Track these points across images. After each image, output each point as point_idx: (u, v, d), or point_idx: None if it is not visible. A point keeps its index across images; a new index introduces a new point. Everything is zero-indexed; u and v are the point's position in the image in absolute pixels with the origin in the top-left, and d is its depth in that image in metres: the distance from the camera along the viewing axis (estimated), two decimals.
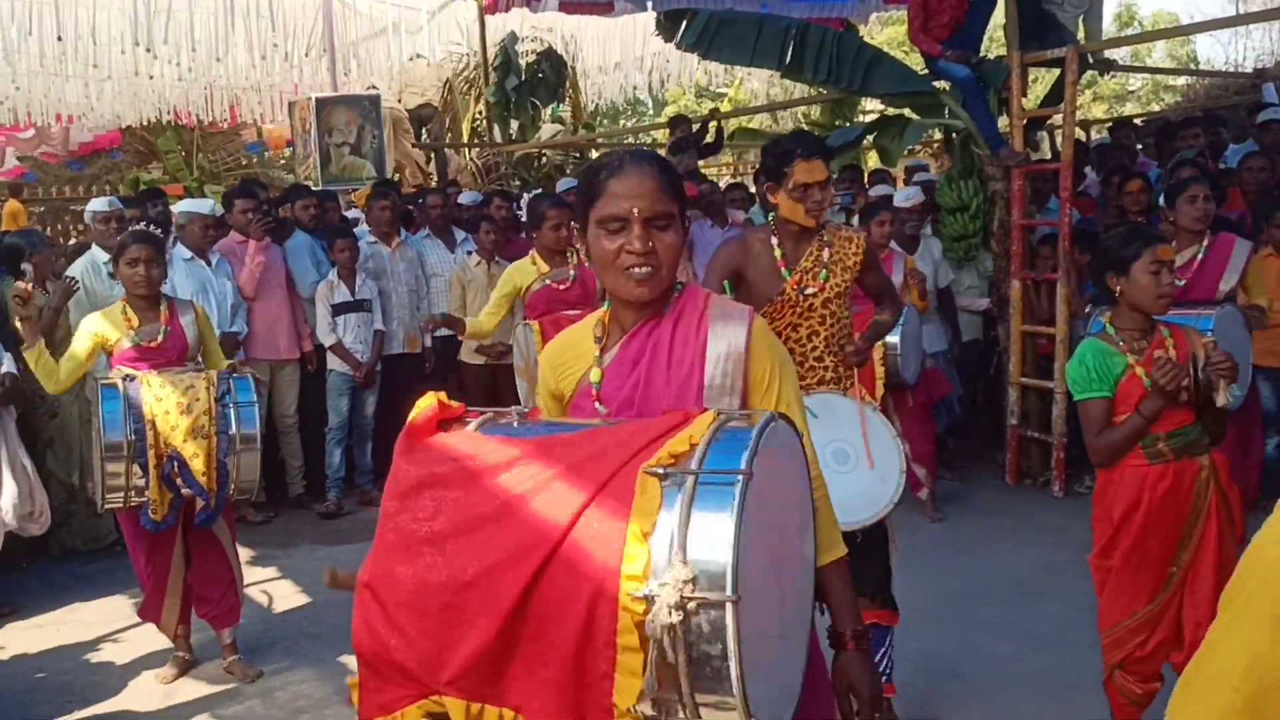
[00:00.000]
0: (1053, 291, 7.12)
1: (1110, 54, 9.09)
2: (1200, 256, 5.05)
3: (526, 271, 5.69)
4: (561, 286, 5.48)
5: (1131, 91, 26.61)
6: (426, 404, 1.96)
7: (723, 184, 10.44)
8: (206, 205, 7.38)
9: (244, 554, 6.10)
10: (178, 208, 7.41)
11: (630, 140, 19.69)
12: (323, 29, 13.26)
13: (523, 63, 13.60)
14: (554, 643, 1.68)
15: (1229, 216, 6.12)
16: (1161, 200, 5.47)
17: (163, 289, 4.80)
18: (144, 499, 4.47)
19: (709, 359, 2.07)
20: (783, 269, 3.73)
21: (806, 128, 13.11)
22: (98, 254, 6.79)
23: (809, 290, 3.71)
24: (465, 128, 14.96)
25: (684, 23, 8.51)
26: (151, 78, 14.25)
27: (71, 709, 4.66)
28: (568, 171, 13.02)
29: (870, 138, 8.77)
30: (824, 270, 3.72)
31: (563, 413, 2.23)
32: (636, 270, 2.04)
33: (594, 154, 15.09)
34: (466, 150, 14.39)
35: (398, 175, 12.37)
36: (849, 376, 3.82)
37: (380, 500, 1.91)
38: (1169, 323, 3.52)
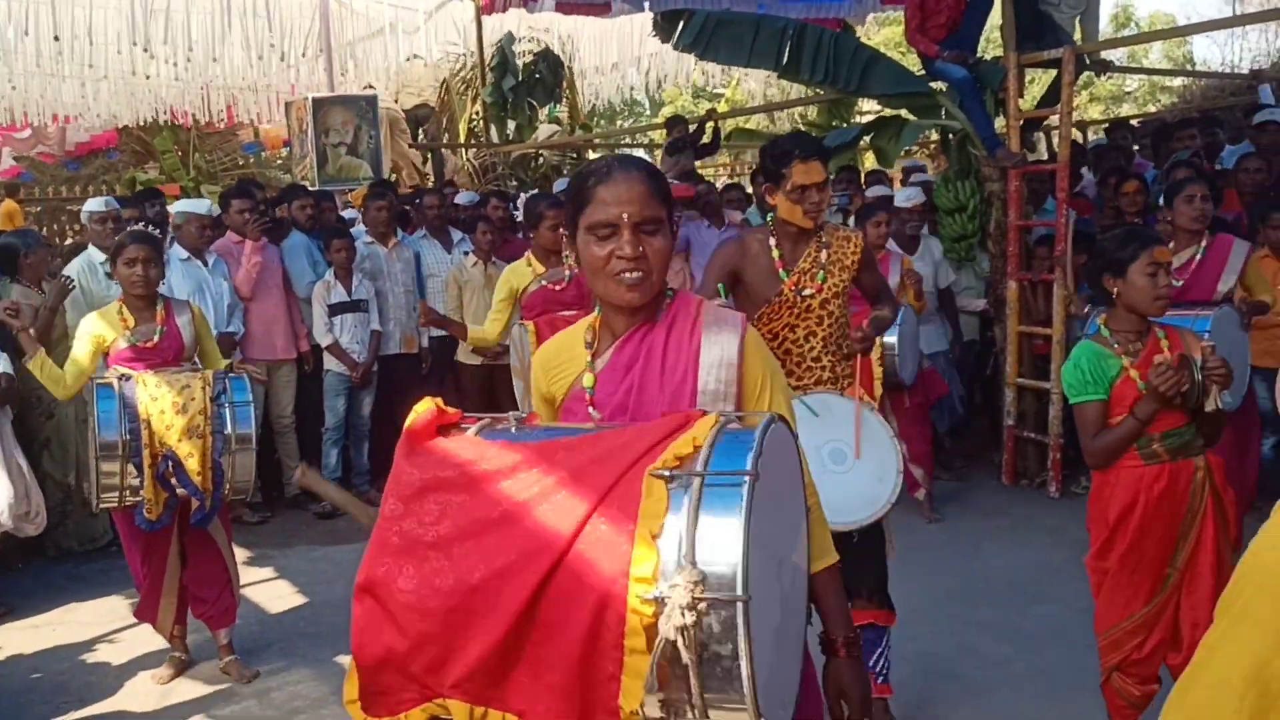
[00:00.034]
0: (1049, 292, 7.12)
1: (1107, 55, 9.10)
2: (1198, 257, 5.05)
3: (522, 273, 5.69)
4: (557, 287, 5.48)
5: (1128, 92, 26.64)
6: (424, 409, 1.96)
7: (720, 184, 10.44)
8: (203, 205, 7.38)
9: (240, 554, 6.09)
10: (174, 208, 7.41)
11: (628, 140, 19.67)
12: (319, 29, 13.27)
13: (520, 63, 13.60)
14: (560, 646, 1.68)
15: (1225, 217, 6.12)
16: (1162, 201, 5.47)
17: (159, 289, 4.80)
18: (139, 499, 4.46)
19: (702, 365, 2.09)
20: (781, 270, 3.73)
21: (803, 128, 13.12)
22: (94, 254, 6.79)
23: (807, 291, 3.71)
24: (462, 128, 14.96)
25: (681, 23, 8.52)
26: (148, 77, 14.25)
27: (68, 709, 4.66)
28: (565, 172, 13.02)
29: (867, 138, 8.77)
30: (822, 271, 3.73)
31: (555, 416, 2.25)
32: (627, 275, 2.05)
33: (591, 154, 15.09)
34: (463, 150, 14.39)
35: (394, 175, 12.36)
36: (847, 377, 3.82)
37: (378, 501, 1.91)
38: (1165, 324, 3.52)
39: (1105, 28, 21.78)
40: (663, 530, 1.66)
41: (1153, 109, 20.02)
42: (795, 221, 3.69)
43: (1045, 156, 8.86)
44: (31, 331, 4.81)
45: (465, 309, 7.66)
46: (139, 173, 14.83)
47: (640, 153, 19.81)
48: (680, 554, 1.64)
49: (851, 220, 6.81)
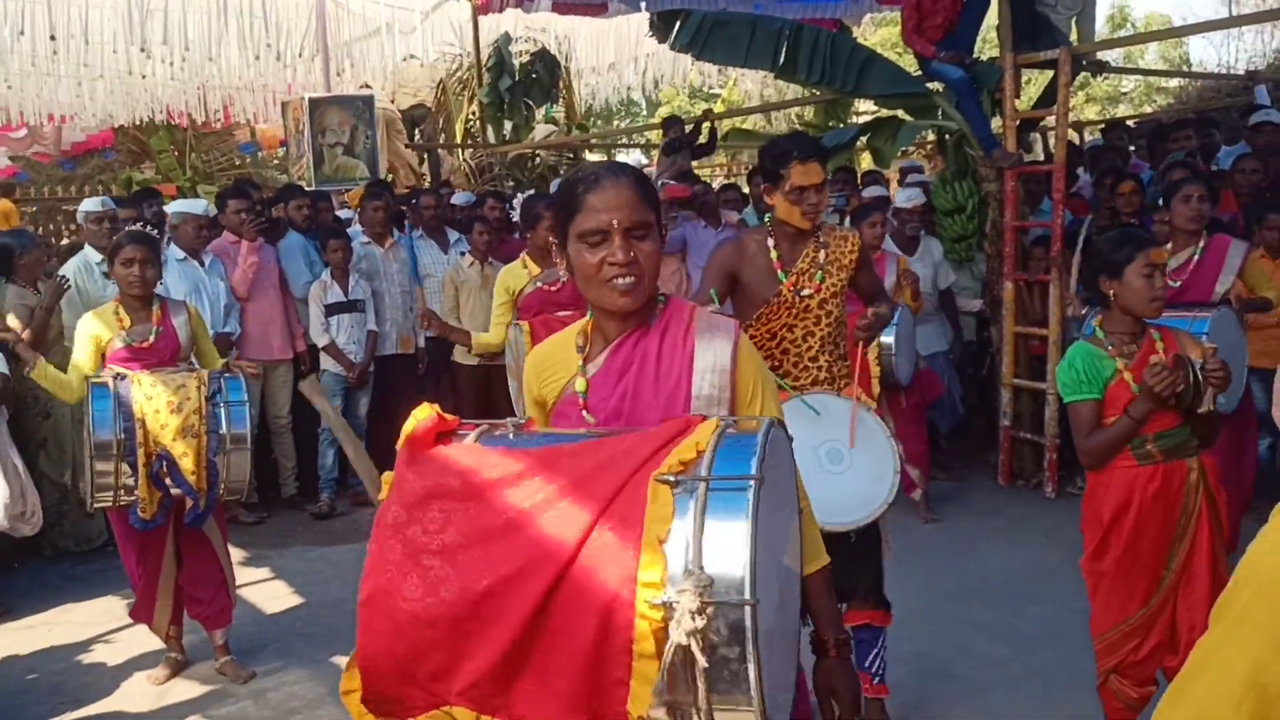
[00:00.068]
0: (1045, 293, 7.13)
1: (1103, 56, 9.13)
2: (1196, 258, 5.05)
3: (518, 275, 5.69)
4: (553, 288, 5.47)
5: (1124, 93, 26.65)
6: (424, 415, 1.96)
7: (716, 185, 10.45)
8: (199, 205, 7.37)
9: (237, 555, 6.09)
10: (170, 208, 7.40)
11: (624, 140, 19.67)
12: (316, 29, 13.25)
13: (516, 63, 13.57)
14: (567, 652, 1.69)
15: (1221, 218, 6.13)
16: (1161, 202, 5.48)
17: (156, 289, 4.80)
18: (133, 498, 4.46)
19: (696, 370, 2.11)
20: (779, 270, 3.74)
21: (800, 128, 13.11)
22: (90, 254, 6.78)
23: (805, 291, 3.71)
24: (458, 128, 14.95)
25: (678, 23, 8.51)
26: (144, 77, 14.23)
27: (64, 710, 4.65)
28: (561, 172, 13.01)
29: (863, 139, 8.78)
30: (820, 271, 3.73)
31: (546, 419, 2.27)
32: (620, 281, 2.06)
33: (588, 155, 15.09)
34: (460, 151, 14.38)
35: (390, 176, 12.35)
36: (844, 377, 3.82)
37: (374, 500, 1.91)
38: (1160, 325, 3.53)
39: (1101, 28, 21.82)
40: (669, 535, 1.68)
41: (1149, 110, 20.04)
42: (793, 222, 3.69)
43: (1041, 157, 8.87)
44: (26, 335, 4.81)
45: (462, 309, 7.66)
46: (135, 173, 14.81)
47: (637, 153, 19.81)
48: (687, 559, 1.65)
49: (847, 221, 6.82)
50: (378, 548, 1.83)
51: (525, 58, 13.88)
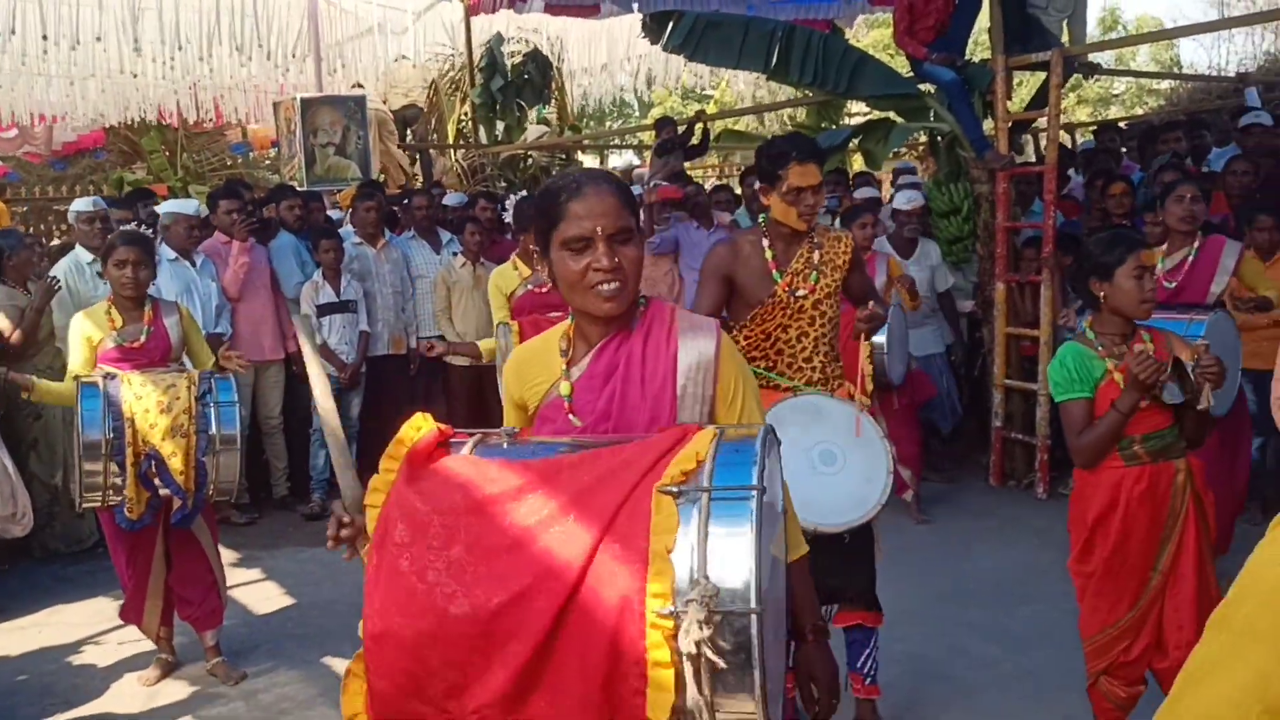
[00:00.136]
0: (1037, 294, 7.14)
1: (1094, 57, 9.14)
2: (1190, 259, 5.06)
3: (509, 277, 5.70)
4: (543, 290, 5.47)
5: (1116, 95, 26.73)
6: (425, 428, 1.96)
7: (708, 186, 10.45)
8: (191, 206, 7.35)
9: (228, 556, 6.08)
10: (162, 208, 7.38)
11: (617, 141, 19.67)
12: (308, 29, 13.23)
13: (508, 64, 13.58)
14: (582, 667, 1.70)
15: (1213, 220, 6.15)
16: (1157, 203, 5.49)
17: (149, 290, 4.79)
18: (121, 498, 4.46)
19: (680, 370, 2.15)
20: (774, 271, 3.74)
21: (793, 129, 13.12)
22: (81, 254, 6.77)
23: (800, 292, 3.72)
24: (450, 129, 14.93)
25: (670, 24, 8.51)
26: (135, 76, 14.19)
27: (54, 711, 4.64)
28: (554, 173, 13.00)
29: (855, 141, 8.79)
30: (815, 272, 3.74)
31: (528, 422, 2.29)
32: (604, 287, 2.09)
33: (580, 155, 15.07)
34: (452, 151, 14.37)
35: (382, 176, 12.34)
36: (837, 378, 3.83)
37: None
38: (1150, 327, 3.54)
39: (1093, 30, 21.87)
40: (675, 545, 1.70)
41: (1140, 112, 20.10)
42: (790, 223, 3.70)
43: (1033, 159, 8.88)
44: (15, 336, 4.80)
45: (454, 310, 7.66)
46: (126, 173, 14.75)
47: (629, 154, 19.82)
48: (693, 569, 1.67)
49: (837, 222, 6.83)
50: (383, 564, 1.82)
51: (517, 58, 13.88)
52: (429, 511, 1.83)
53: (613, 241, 2.08)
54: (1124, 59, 26.25)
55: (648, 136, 13.94)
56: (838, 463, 3.63)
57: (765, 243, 3.77)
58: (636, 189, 8.72)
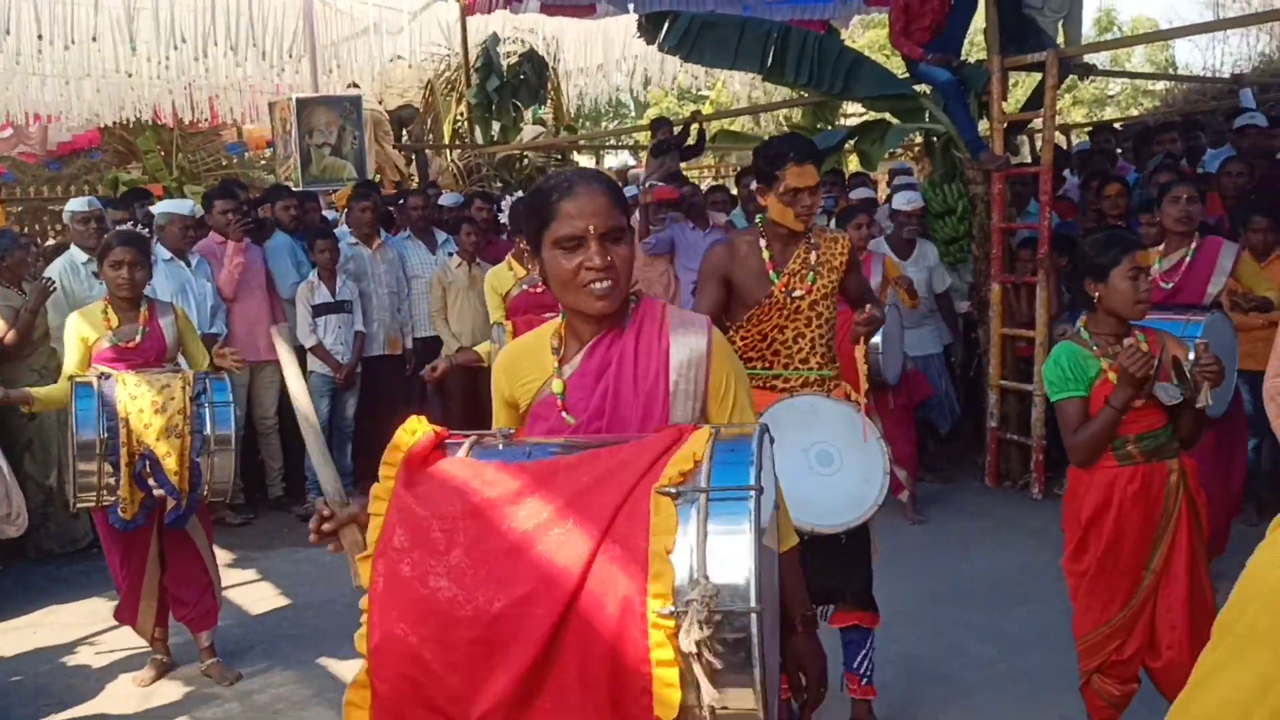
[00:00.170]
0: (1032, 295, 7.15)
1: (1090, 58, 9.14)
2: (1187, 259, 5.07)
3: (504, 277, 5.70)
4: (538, 290, 5.47)
5: (1111, 96, 26.77)
6: (420, 431, 1.96)
7: (704, 186, 10.43)
8: (186, 206, 7.34)
9: (223, 556, 6.07)
10: (157, 208, 7.37)
11: (613, 142, 19.67)
12: (303, 29, 13.22)
13: (504, 64, 13.58)
14: (584, 668, 1.71)
15: (1207, 221, 6.15)
16: (1155, 204, 5.49)
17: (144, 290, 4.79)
18: (115, 498, 4.45)
19: (672, 366, 2.17)
20: (771, 271, 3.74)
21: (789, 130, 13.12)
22: (76, 254, 6.75)
23: (797, 293, 3.72)
24: (446, 129, 14.92)
25: (666, 25, 8.52)
26: (130, 75, 14.17)
27: (48, 711, 4.63)
28: (550, 173, 12.98)
29: (851, 142, 8.80)
30: (811, 273, 3.74)
31: (518, 420, 2.30)
32: (597, 285, 2.10)
33: (576, 156, 15.07)
34: (448, 152, 14.36)
35: (378, 176, 12.33)
36: (834, 378, 3.83)
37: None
38: (1144, 327, 3.54)
39: (1088, 31, 21.90)
40: (675, 546, 1.71)
41: (1135, 112, 20.12)
42: (787, 224, 3.70)
43: (1028, 159, 8.89)
44: (9, 337, 4.79)
45: (449, 310, 7.66)
46: (121, 173, 14.72)
47: (625, 154, 19.81)
48: (692, 569, 1.69)
49: (833, 222, 6.83)
50: (385, 570, 1.82)
51: (513, 59, 13.88)
52: (428, 516, 1.83)
53: (605, 240, 2.10)
54: (1119, 60, 26.29)
55: (643, 137, 13.95)
56: (835, 463, 3.63)
57: (762, 243, 3.77)
58: (632, 189, 8.72)
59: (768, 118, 19.96)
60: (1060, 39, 7.77)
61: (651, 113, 22.45)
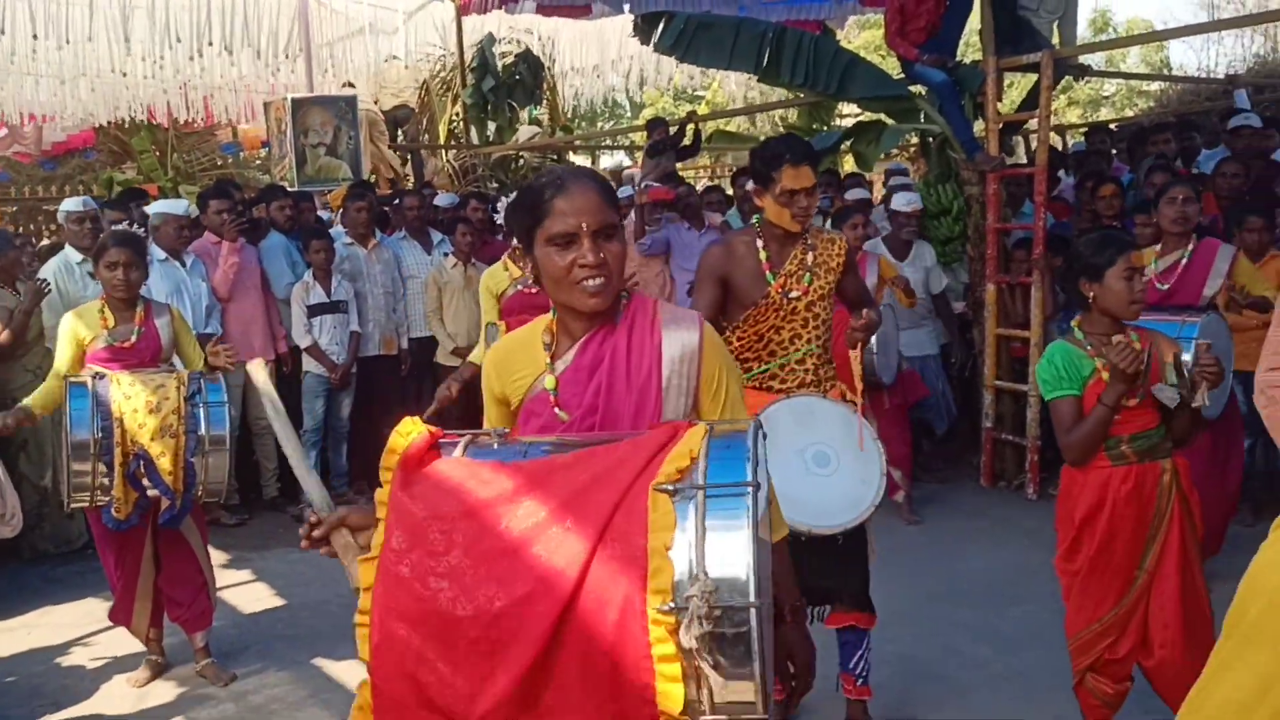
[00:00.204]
0: (1027, 295, 7.16)
1: (1085, 59, 9.16)
2: (1184, 261, 5.07)
3: (499, 277, 5.69)
4: (533, 291, 5.47)
5: (1106, 97, 26.80)
6: (414, 432, 1.96)
7: (700, 187, 10.44)
8: (180, 206, 7.32)
9: (218, 557, 6.07)
10: (151, 209, 7.36)
11: (608, 142, 19.66)
12: (299, 29, 13.21)
13: (500, 64, 13.56)
14: (586, 665, 1.72)
15: (1202, 221, 6.16)
16: (1152, 205, 5.49)
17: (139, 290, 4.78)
18: (109, 498, 4.44)
19: (665, 361, 2.18)
20: (768, 272, 3.74)
21: (784, 131, 13.12)
22: (70, 254, 6.74)
23: (794, 293, 3.72)
24: (442, 129, 14.91)
25: (661, 25, 8.51)
26: (125, 74, 14.16)
27: (42, 712, 4.62)
28: (540, 171, 12.96)
29: (847, 143, 8.80)
30: (808, 273, 3.74)
31: (509, 417, 2.30)
32: (590, 282, 2.12)
33: (572, 156, 15.06)
34: (443, 152, 14.35)
35: (373, 176, 12.32)
36: (830, 379, 3.83)
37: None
38: (1138, 327, 3.55)
39: (1083, 32, 21.89)
40: (673, 542, 1.72)
41: (1130, 113, 20.15)
42: (783, 225, 3.70)
43: (1024, 160, 8.90)
44: (4, 337, 4.77)
45: (445, 310, 7.66)
46: (116, 173, 14.69)
47: (621, 155, 19.80)
48: (691, 565, 1.70)
49: (828, 223, 6.83)
50: (384, 571, 1.83)
51: (509, 59, 13.86)
52: (426, 517, 1.83)
53: (597, 237, 2.11)
54: (1114, 61, 26.32)
55: (639, 137, 13.92)
56: (831, 464, 3.63)
57: (759, 244, 3.77)
58: (627, 190, 8.72)
59: (763, 118, 19.98)
60: (1055, 40, 7.78)
61: (647, 113, 22.44)
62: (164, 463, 4.44)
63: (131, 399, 4.42)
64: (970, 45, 12.66)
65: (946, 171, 7.87)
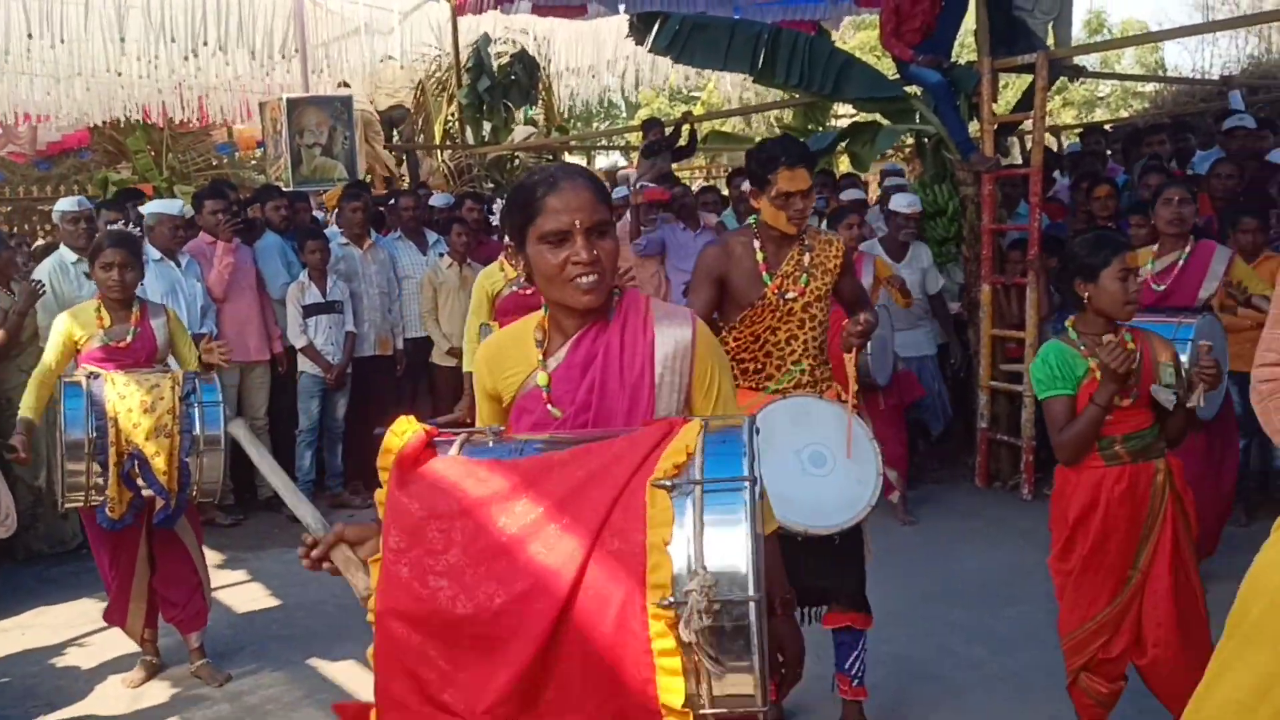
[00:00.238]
0: (1022, 296, 7.16)
1: (1080, 60, 9.17)
2: (1181, 262, 5.08)
3: (495, 278, 5.69)
4: (528, 291, 5.46)
5: (1101, 98, 26.82)
6: (410, 431, 1.96)
7: (695, 187, 10.45)
8: (175, 206, 7.31)
9: (213, 557, 6.06)
10: (146, 209, 7.35)
11: (604, 143, 19.67)
12: (294, 29, 13.20)
13: (495, 64, 13.56)
14: (588, 661, 1.73)
15: (1197, 222, 6.17)
16: (1149, 206, 5.50)
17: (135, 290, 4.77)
18: (103, 498, 4.44)
19: (658, 358, 2.19)
20: (764, 273, 3.74)
21: (779, 131, 13.13)
22: (65, 254, 6.73)
23: (790, 294, 3.72)
24: (437, 129, 14.91)
25: (656, 26, 8.51)
26: (120, 74, 14.14)
27: (37, 713, 4.61)
28: (533, 168, 12.94)
29: (843, 144, 8.80)
30: (805, 275, 3.74)
31: (502, 413, 2.31)
32: (583, 280, 2.12)
33: (567, 156, 15.05)
34: (438, 152, 14.35)
35: (369, 177, 12.32)
36: (826, 380, 3.83)
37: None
38: (1132, 327, 3.56)
39: (1078, 33, 21.95)
40: (671, 538, 1.73)
41: (1125, 114, 20.16)
42: (779, 226, 3.70)
43: (1019, 161, 8.90)
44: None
45: (440, 311, 7.65)
46: (111, 173, 14.67)
47: (616, 155, 19.80)
48: (690, 559, 1.71)
49: (824, 223, 6.84)
50: (383, 571, 1.83)
51: (504, 59, 13.86)
52: (424, 516, 1.83)
53: (590, 234, 2.12)
54: (1109, 62, 26.35)
55: (635, 138, 13.95)
56: (828, 464, 3.63)
57: (756, 244, 3.77)
58: (623, 190, 8.72)
59: (759, 118, 19.99)
60: (1050, 41, 7.79)
61: (643, 113, 22.45)
62: (159, 463, 4.44)
63: (126, 399, 4.42)
64: (965, 46, 12.68)
65: (941, 172, 7.88)
